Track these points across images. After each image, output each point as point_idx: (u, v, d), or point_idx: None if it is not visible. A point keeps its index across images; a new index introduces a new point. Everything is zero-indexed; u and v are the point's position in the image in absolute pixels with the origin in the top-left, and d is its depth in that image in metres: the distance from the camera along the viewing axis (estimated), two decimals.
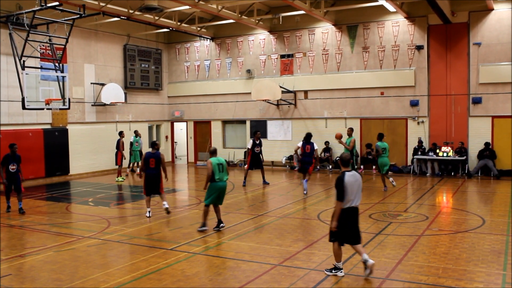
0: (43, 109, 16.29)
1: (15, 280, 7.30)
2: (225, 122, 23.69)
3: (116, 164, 18.86)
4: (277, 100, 21.10)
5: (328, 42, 20.74)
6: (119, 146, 18.59)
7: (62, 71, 16.79)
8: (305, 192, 14.35)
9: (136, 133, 19.64)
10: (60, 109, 16.76)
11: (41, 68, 17.15)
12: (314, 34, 21.05)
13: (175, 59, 24.52)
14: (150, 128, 23.89)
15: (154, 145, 11.61)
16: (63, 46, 16.68)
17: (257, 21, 20.79)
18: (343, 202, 6.95)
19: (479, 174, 17.84)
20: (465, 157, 17.99)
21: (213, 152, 10.19)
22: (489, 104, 18.02)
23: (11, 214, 12.12)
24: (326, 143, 20.43)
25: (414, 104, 19.15)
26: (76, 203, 13.89)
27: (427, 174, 18.56)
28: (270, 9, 21.07)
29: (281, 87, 20.46)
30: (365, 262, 6.93)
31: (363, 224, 10.41)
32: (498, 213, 11.53)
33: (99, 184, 17.62)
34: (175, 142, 25.49)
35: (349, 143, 15.70)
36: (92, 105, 20.39)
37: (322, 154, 20.35)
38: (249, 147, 16.57)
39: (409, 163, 19.33)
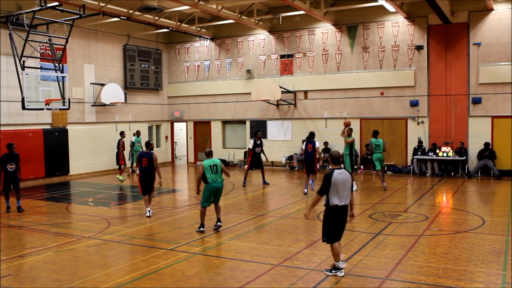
0: (43, 109, 16.27)
1: (15, 280, 7.30)
2: (225, 122, 23.69)
3: (118, 164, 18.92)
4: (277, 100, 21.08)
5: (328, 42, 20.74)
6: (120, 146, 18.66)
7: (62, 71, 16.77)
8: (305, 191, 14.36)
9: (138, 133, 19.65)
10: (60, 109, 16.75)
11: (41, 68, 17.13)
12: (314, 34, 21.05)
13: (175, 59, 24.52)
14: (150, 128, 23.87)
15: (148, 145, 11.64)
16: (63, 46, 16.66)
17: (257, 21, 20.78)
18: (321, 197, 7.07)
19: (479, 174, 17.85)
20: (465, 157, 17.99)
21: (208, 154, 10.13)
22: (489, 104, 18.02)
23: (11, 214, 12.14)
24: (326, 143, 20.41)
25: (414, 104, 19.15)
26: (76, 203, 13.89)
27: (427, 174, 18.56)
28: (270, 9, 21.07)
29: (281, 87, 20.45)
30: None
31: (363, 224, 10.44)
32: (498, 213, 11.53)
33: (99, 184, 17.62)
34: (175, 142, 25.49)
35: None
36: (92, 105, 20.39)
37: (322, 155, 20.31)
38: (250, 147, 16.57)
39: (409, 163, 19.33)
